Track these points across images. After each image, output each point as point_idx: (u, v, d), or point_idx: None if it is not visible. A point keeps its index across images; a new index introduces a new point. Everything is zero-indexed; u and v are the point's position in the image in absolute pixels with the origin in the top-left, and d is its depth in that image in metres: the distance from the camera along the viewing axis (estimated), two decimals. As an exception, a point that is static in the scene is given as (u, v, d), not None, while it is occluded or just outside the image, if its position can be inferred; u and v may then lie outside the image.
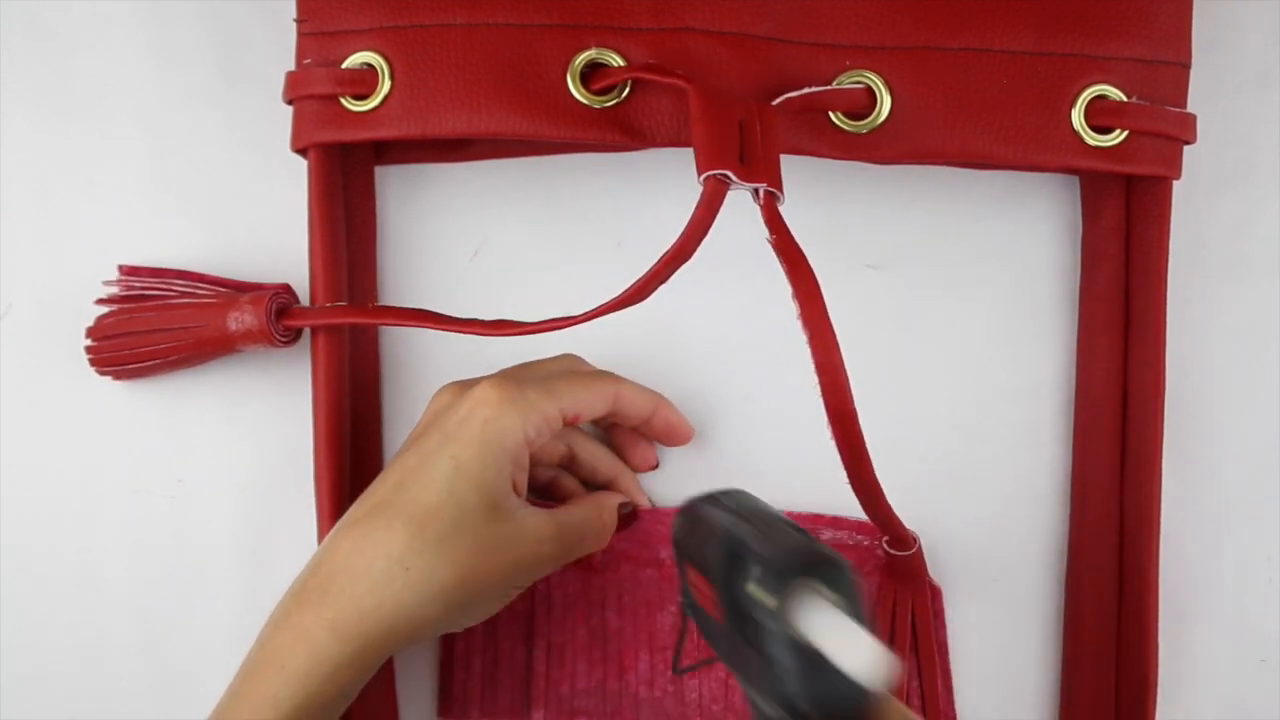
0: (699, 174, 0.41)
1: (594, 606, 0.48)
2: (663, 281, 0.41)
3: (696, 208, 0.40)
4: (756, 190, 0.41)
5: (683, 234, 0.40)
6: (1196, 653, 0.50)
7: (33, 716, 0.49)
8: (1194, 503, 0.50)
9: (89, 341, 0.48)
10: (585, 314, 0.41)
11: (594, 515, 0.46)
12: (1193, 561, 0.50)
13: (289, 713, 0.38)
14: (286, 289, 0.47)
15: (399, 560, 0.39)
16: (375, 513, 0.41)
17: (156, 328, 0.47)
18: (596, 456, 0.48)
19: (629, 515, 0.48)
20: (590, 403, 0.45)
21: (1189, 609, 0.50)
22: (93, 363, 0.48)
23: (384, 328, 0.50)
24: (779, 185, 0.42)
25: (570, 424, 0.44)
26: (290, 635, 0.39)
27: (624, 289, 0.41)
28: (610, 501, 0.47)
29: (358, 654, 0.39)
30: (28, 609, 0.49)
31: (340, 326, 0.47)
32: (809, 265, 0.40)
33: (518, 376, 0.44)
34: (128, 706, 0.49)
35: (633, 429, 0.48)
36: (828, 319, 0.39)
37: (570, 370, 0.46)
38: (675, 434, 0.48)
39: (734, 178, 0.40)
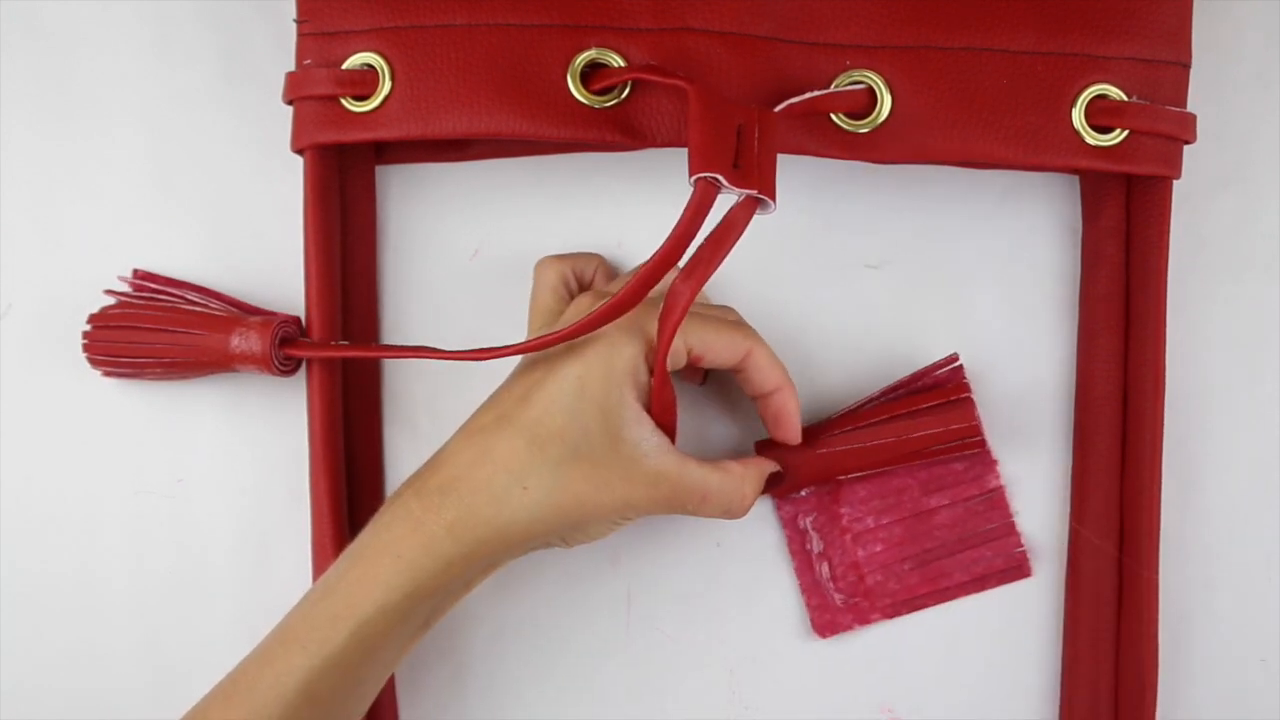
0: (690, 175, 0.41)
1: None
2: (651, 286, 0.41)
3: (685, 210, 0.40)
4: (741, 196, 0.41)
5: (670, 237, 0.40)
6: (1196, 653, 0.49)
7: (33, 717, 0.49)
8: (1194, 503, 0.50)
9: (88, 327, 0.47)
10: (572, 328, 0.41)
11: (732, 486, 0.44)
12: (1193, 561, 0.50)
13: (399, 600, 0.40)
14: (295, 321, 0.47)
15: (518, 477, 0.41)
16: (499, 424, 0.42)
17: (159, 327, 0.47)
18: (766, 366, 0.45)
19: (775, 476, 0.47)
20: (719, 349, 0.44)
21: (1189, 609, 0.50)
22: (86, 349, 0.47)
23: (386, 328, 0.50)
24: (771, 193, 0.41)
25: (694, 363, 0.44)
26: (407, 527, 0.41)
27: (610, 298, 0.41)
28: (755, 471, 0.46)
29: (470, 553, 0.41)
30: (28, 609, 0.49)
31: (334, 360, 0.47)
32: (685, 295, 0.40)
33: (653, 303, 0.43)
34: (128, 706, 0.49)
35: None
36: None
37: (715, 316, 0.45)
38: (785, 424, 0.46)
39: (725, 181, 0.40)
